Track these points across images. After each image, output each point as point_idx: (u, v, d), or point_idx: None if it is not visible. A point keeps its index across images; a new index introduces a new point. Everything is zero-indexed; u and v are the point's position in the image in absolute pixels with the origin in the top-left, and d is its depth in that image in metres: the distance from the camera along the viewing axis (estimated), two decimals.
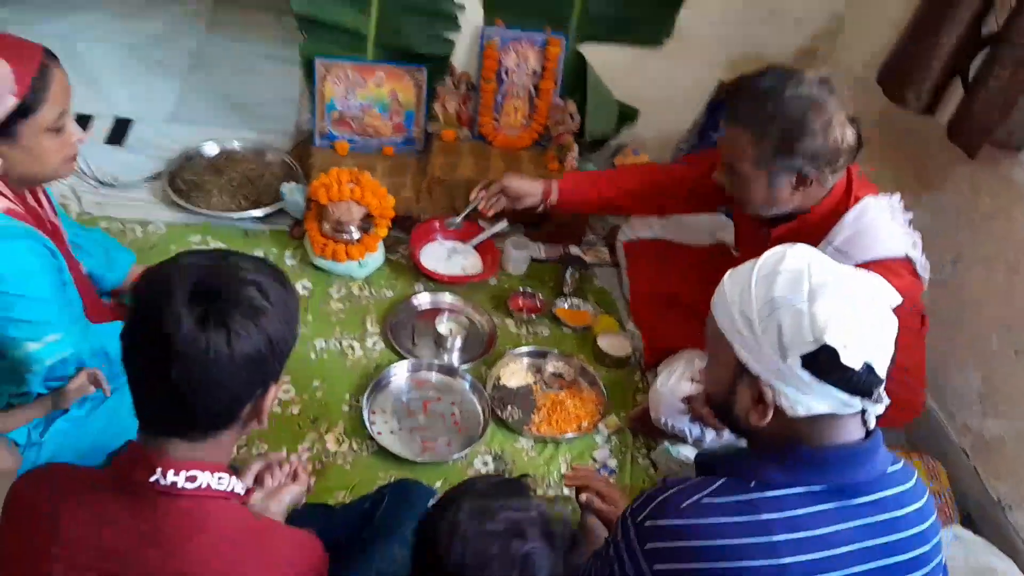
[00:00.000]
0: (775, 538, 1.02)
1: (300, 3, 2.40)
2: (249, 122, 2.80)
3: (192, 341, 0.94)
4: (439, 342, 2.15)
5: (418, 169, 2.52)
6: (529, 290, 2.35)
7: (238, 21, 3.38)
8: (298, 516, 1.51)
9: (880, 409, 1.07)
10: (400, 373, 2.03)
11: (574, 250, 2.46)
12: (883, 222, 1.60)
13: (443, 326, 2.16)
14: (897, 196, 1.67)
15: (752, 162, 1.61)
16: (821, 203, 1.64)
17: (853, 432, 1.09)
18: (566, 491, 1.82)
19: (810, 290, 1.03)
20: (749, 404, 1.08)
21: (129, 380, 1.02)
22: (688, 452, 1.90)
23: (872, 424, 1.10)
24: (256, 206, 2.41)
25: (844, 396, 1.03)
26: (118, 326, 1.03)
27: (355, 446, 1.88)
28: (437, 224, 2.43)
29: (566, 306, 2.34)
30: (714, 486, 1.07)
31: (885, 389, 1.05)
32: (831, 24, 2.66)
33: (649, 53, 2.65)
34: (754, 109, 1.57)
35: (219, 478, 1.04)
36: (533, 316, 2.29)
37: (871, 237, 1.58)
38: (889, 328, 1.06)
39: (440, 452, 1.89)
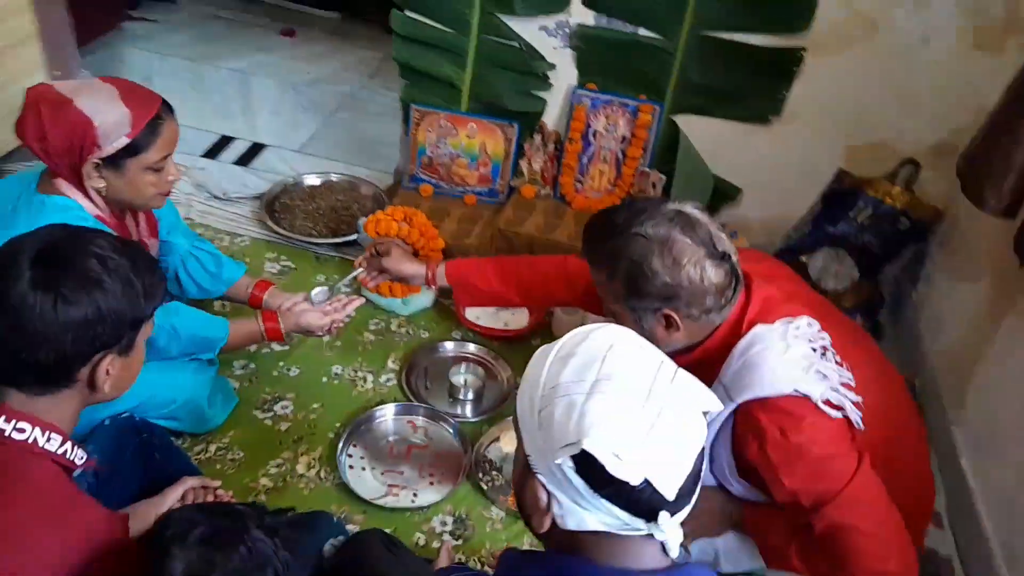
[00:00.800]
0: None
1: (401, 52, 2.54)
2: (366, 160, 2.97)
3: (22, 299, 1.05)
4: (452, 392, 2.10)
5: (491, 220, 2.52)
6: None
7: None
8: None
9: (675, 535, 0.88)
10: (388, 414, 2.01)
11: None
12: (768, 355, 1.36)
13: (457, 376, 2.11)
14: (803, 320, 1.41)
15: (613, 300, 1.46)
16: (714, 335, 1.44)
17: (647, 559, 0.90)
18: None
19: (595, 381, 0.88)
20: (533, 506, 0.93)
21: None
22: None
23: (674, 553, 0.91)
24: (335, 235, 2.54)
25: (623, 514, 0.86)
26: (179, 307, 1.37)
27: (323, 474, 1.88)
28: None
29: None
30: None
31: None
32: (978, 118, 2.31)
33: (755, 129, 2.46)
34: (601, 248, 1.44)
35: (48, 437, 1.11)
36: None
37: (753, 373, 1.36)
38: (691, 442, 0.88)
39: (401, 500, 1.83)
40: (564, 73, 2.51)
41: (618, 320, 1.47)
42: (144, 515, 1.43)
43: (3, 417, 1.08)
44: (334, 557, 1.51)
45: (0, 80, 2.43)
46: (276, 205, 2.64)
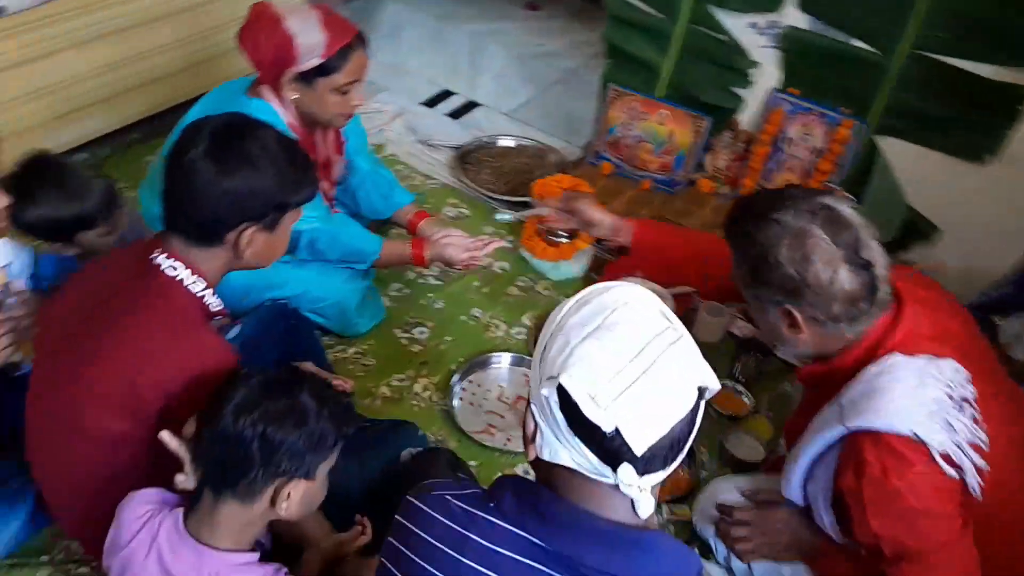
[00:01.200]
0: (462, 559, 0.95)
1: (611, 32, 2.61)
2: (565, 134, 3.08)
3: (194, 163, 1.27)
4: None
5: (660, 207, 2.53)
6: None
7: None
8: None
9: (643, 496, 0.91)
10: (505, 362, 2.13)
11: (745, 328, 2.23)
12: (896, 387, 1.24)
13: None
14: (950, 364, 1.27)
15: (742, 287, 1.40)
16: (846, 352, 1.34)
17: (615, 512, 0.93)
18: None
19: (595, 328, 0.91)
20: (524, 434, 0.99)
21: (164, 180, 1.36)
22: (715, 573, 1.65)
23: (643, 513, 0.93)
24: (512, 194, 2.68)
25: (592, 457, 0.90)
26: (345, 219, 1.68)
27: (434, 398, 2.04)
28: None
29: (723, 388, 2.15)
30: (467, 490, 1.02)
31: None
32: None
33: (966, 166, 2.26)
34: (736, 230, 1.38)
35: (194, 280, 1.34)
36: None
37: (875, 402, 1.25)
38: (673, 406, 0.89)
39: (495, 440, 1.94)
40: (767, 73, 2.45)
41: (750, 310, 1.44)
42: None
43: (164, 255, 1.33)
44: (407, 462, 1.66)
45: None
46: (468, 158, 2.84)
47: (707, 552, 1.67)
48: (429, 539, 0.97)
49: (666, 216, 2.44)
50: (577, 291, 0.96)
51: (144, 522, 1.18)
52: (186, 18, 2.41)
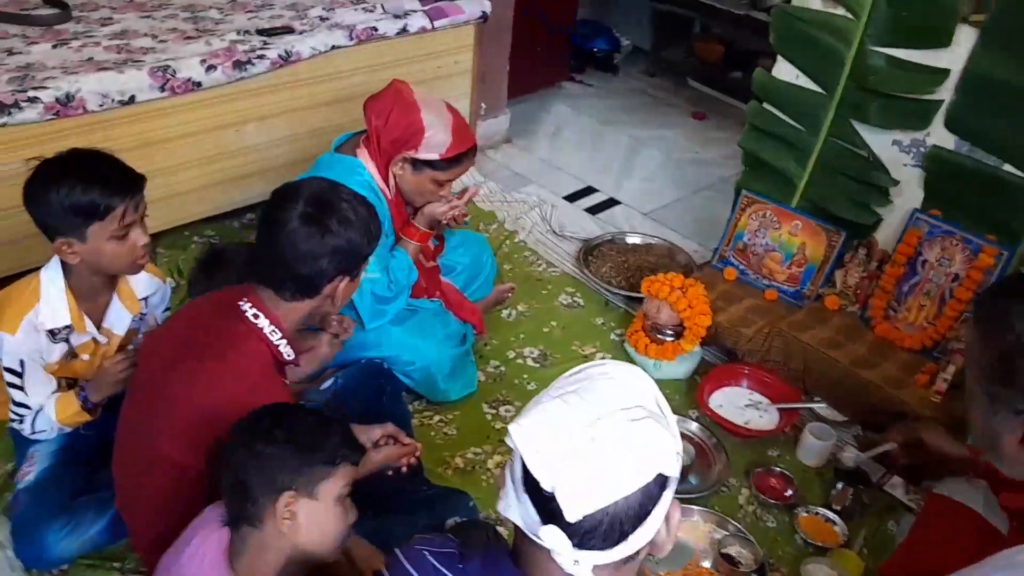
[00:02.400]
0: None
1: (749, 140, 2.60)
2: (702, 238, 3.05)
3: (294, 226, 1.43)
4: None
5: (779, 318, 2.42)
6: (788, 474, 2.07)
7: None
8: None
9: (576, 571, 0.88)
10: None
11: (864, 465, 2.03)
12: None
13: None
14: None
15: (974, 374, 1.22)
16: None
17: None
18: None
19: (571, 390, 0.92)
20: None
21: (258, 240, 1.52)
22: None
23: None
24: (629, 289, 2.69)
25: (534, 514, 0.89)
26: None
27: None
28: (746, 370, 2.32)
29: (815, 515, 1.98)
30: (445, 548, 1.03)
31: None
32: None
33: None
34: (996, 304, 1.21)
35: (272, 331, 1.47)
36: (772, 502, 2.02)
37: None
38: (618, 481, 0.87)
39: None
40: (908, 192, 2.32)
41: (967, 398, 1.26)
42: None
43: (251, 304, 1.47)
44: (451, 529, 1.67)
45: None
46: (594, 251, 2.88)
47: None
48: None
49: (784, 329, 2.33)
50: (675, 392, 0.94)
51: (199, 537, 1.28)
52: (345, 107, 2.69)
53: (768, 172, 2.58)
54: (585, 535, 0.87)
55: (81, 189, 1.55)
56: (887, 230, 2.39)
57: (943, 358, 2.17)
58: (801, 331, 2.32)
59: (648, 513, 0.90)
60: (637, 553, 0.92)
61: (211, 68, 2.40)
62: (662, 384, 2.32)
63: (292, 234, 1.43)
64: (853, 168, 2.39)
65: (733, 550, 1.87)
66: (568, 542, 0.87)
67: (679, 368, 2.37)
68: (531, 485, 0.89)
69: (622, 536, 0.89)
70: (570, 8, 3.95)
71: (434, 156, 2.00)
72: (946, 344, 2.20)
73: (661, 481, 0.90)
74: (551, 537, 0.87)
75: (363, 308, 2.07)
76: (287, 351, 1.49)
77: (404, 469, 1.71)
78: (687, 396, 2.33)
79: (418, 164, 2.01)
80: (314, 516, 1.24)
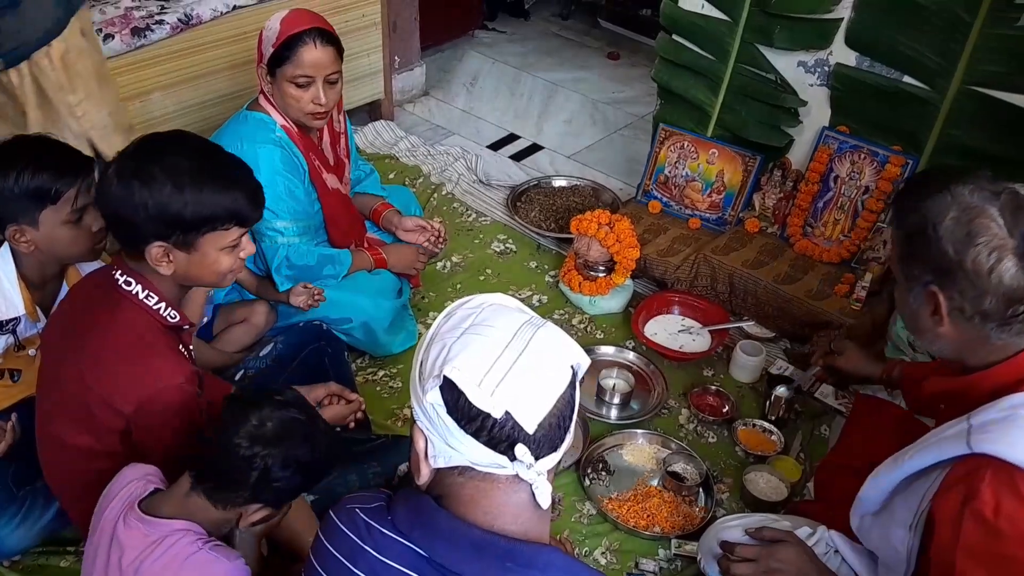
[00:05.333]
0: (355, 570, 0.96)
1: (661, 73, 2.64)
2: (624, 176, 3.11)
3: (105, 177, 1.32)
4: (599, 392, 2.16)
5: (704, 245, 2.50)
6: (724, 392, 2.16)
7: None
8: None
9: (539, 482, 0.91)
10: None
11: (794, 374, 2.14)
12: None
13: (608, 379, 2.16)
14: None
15: (894, 260, 1.30)
16: (989, 372, 1.21)
17: (513, 508, 0.93)
18: None
19: (468, 326, 0.94)
20: (415, 458, 0.98)
21: None
22: None
23: (544, 503, 0.92)
24: (559, 231, 2.72)
25: (487, 452, 0.90)
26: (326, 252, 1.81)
27: None
28: (676, 297, 2.39)
29: (752, 427, 2.08)
30: (374, 504, 1.02)
31: None
32: None
33: None
34: (906, 197, 1.27)
35: (148, 295, 1.36)
36: (711, 419, 2.11)
37: (1013, 433, 1.12)
38: (552, 384, 0.91)
39: None
40: (816, 112, 2.40)
41: (898, 301, 1.33)
42: None
43: (120, 272, 1.37)
44: (403, 476, 1.70)
45: (347, 55, 3.01)
46: (522, 197, 2.90)
47: None
48: (330, 549, 1.00)
49: (708, 254, 2.41)
50: (611, 325, 0.95)
51: (124, 490, 1.27)
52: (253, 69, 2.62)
53: (683, 104, 2.63)
54: (539, 443, 0.90)
55: (31, 173, 1.49)
56: (799, 150, 2.47)
57: (860, 268, 2.29)
58: (725, 255, 2.41)
59: (574, 406, 0.95)
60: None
61: (108, 37, 2.31)
62: (599, 319, 2.44)
63: (104, 186, 1.32)
64: (762, 92, 2.46)
65: (678, 467, 1.96)
66: (532, 457, 0.90)
67: (613, 302, 2.43)
68: (475, 423, 0.89)
69: (562, 434, 0.93)
70: None
71: (270, 50, 1.91)
72: (862, 254, 2.32)
73: (573, 373, 0.95)
74: (525, 456, 0.89)
75: (274, 268, 2.04)
76: (169, 314, 1.39)
77: (352, 426, 1.73)
78: (623, 328, 2.40)
79: (273, 72, 1.93)
80: (269, 516, 1.28)
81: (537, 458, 0.90)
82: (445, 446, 0.92)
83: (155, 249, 1.32)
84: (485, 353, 0.91)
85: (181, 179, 1.29)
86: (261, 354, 2.00)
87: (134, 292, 1.36)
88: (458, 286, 2.54)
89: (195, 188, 1.30)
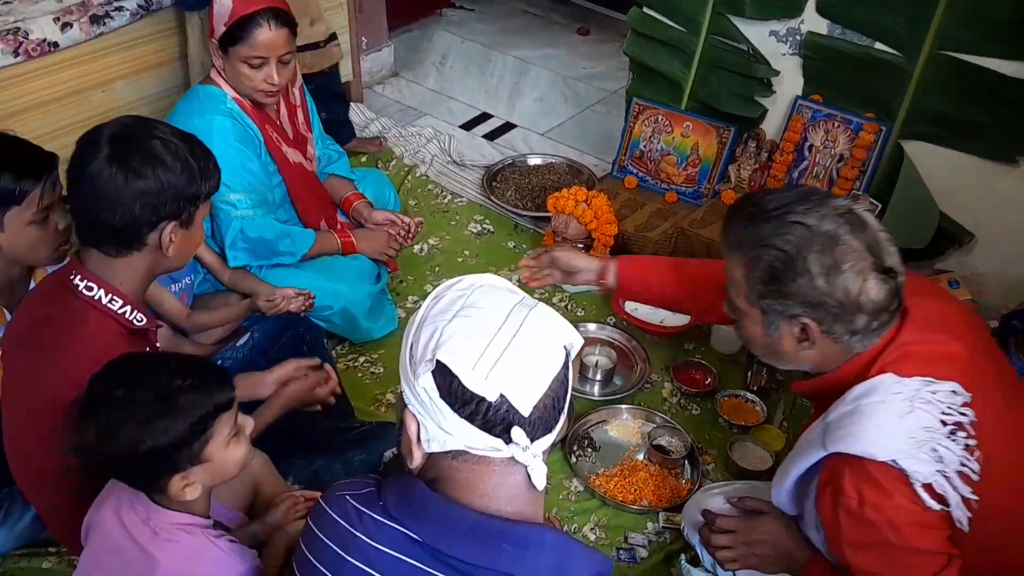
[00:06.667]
0: (347, 558, 0.95)
1: (633, 47, 2.62)
2: (599, 152, 3.09)
3: (99, 171, 1.25)
4: (582, 369, 2.16)
5: (681, 219, 2.50)
6: (706, 364, 2.17)
7: None
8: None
9: (535, 464, 0.90)
10: None
11: None
12: (881, 411, 1.16)
13: (590, 356, 2.16)
14: (947, 387, 1.16)
15: (744, 296, 1.27)
16: (843, 367, 1.25)
17: (507, 490, 0.92)
18: None
19: (459, 309, 0.92)
20: (407, 443, 0.95)
21: (68, 196, 1.35)
22: None
23: (539, 484, 0.92)
24: (536, 210, 2.71)
25: (482, 435, 0.88)
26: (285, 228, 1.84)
27: None
28: None
29: (735, 398, 2.10)
30: (365, 490, 1.00)
31: None
32: None
33: (998, 169, 2.15)
34: (749, 232, 1.24)
35: (111, 299, 1.30)
36: (693, 391, 2.12)
37: (856, 426, 1.17)
38: (546, 365, 0.90)
39: None
40: (789, 81, 2.40)
41: (739, 318, 1.32)
42: (250, 385, 1.62)
43: (79, 276, 1.30)
44: (388, 462, 1.69)
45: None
46: (497, 176, 2.88)
47: (698, 560, 1.62)
48: (321, 536, 0.98)
49: (685, 228, 2.41)
50: (591, 303, 0.93)
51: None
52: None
53: (655, 77, 2.62)
54: (534, 425, 0.89)
55: None
56: (773, 120, 2.48)
57: None
58: (702, 228, 2.41)
59: (568, 386, 0.94)
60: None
61: (67, 26, 2.24)
62: (579, 296, 2.44)
63: (94, 180, 1.25)
64: (735, 63, 2.45)
65: (663, 440, 1.97)
66: (528, 439, 0.89)
67: None
68: (469, 407, 0.88)
69: (557, 415, 0.92)
70: None
71: (222, 28, 1.87)
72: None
73: (566, 353, 0.94)
74: (521, 438, 0.88)
75: (228, 241, 1.99)
76: (135, 317, 1.33)
77: (332, 401, 1.70)
78: (604, 305, 2.40)
79: (224, 48, 1.90)
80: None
81: (532, 440, 0.89)
82: (439, 430, 0.90)
83: (168, 230, 1.30)
84: (478, 336, 0.89)
85: (182, 155, 1.29)
86: (238, 344, 1.97)
87: (96, 297, 1.30)
88: (436, 269, 2.52)
89: (196, 160, 1.31)
